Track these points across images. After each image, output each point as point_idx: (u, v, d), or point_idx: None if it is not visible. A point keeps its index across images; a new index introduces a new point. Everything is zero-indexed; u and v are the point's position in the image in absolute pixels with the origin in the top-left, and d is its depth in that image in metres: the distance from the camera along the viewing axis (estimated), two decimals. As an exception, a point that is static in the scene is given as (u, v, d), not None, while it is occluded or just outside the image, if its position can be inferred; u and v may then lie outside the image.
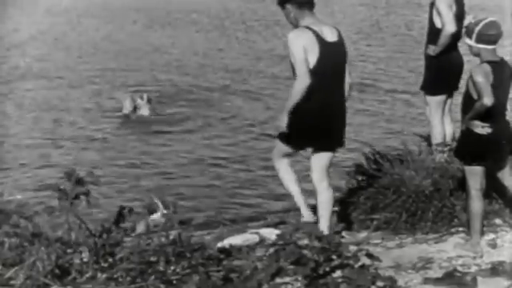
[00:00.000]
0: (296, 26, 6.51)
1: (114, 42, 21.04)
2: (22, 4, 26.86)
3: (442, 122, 8.29)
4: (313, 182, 6.67)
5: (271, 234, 6.85)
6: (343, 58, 6.59)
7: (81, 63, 18.75)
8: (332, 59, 6.44)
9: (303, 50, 6.33)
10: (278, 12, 6.88)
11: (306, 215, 6.81)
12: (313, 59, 6.35)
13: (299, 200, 6.83)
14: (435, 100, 8.27)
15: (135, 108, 14.23)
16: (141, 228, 8.72)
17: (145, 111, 14.18)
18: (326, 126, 6.54)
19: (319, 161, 6.65)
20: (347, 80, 6.64)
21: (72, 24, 23.91)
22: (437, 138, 8.21)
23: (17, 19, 24.16)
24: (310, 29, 6.40)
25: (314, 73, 6.33)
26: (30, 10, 25.91)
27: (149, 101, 14.29)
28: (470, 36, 6.32)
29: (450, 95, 8.35)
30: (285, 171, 6.80)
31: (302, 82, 6.31)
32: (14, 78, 17.34)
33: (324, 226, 6.50)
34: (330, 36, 6.47)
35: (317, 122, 6.48)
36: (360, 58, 18.02)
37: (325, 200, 6.63)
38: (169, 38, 21.52)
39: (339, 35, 6.55)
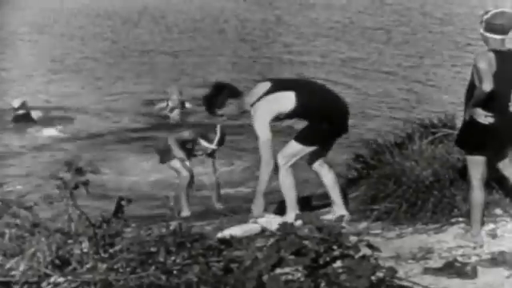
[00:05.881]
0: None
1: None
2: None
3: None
4: None
5: (271, 223, 6.87)
6: None
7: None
8: None
9: None
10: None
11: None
12: None
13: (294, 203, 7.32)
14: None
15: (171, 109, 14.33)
16: (179, 155, 8.89)
17: (175, 115, 14.23)
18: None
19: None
20: None
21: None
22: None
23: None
24: None
25: None
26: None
27: (183, 106, 14.29)
28: (480, 23, 6.36)
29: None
30: (291, 176, 7.27)
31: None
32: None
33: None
34: None
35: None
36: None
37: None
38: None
39: None
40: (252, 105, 7.12)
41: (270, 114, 7.05)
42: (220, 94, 7.24)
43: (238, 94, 7.25)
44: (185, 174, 8.96)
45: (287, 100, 7.08)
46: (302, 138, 7.23)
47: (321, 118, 7.15)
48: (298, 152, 7.22)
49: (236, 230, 7.01)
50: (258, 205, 7.23)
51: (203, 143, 8.82)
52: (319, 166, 7.39)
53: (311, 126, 7.22)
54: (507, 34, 6.34)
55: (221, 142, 8.85)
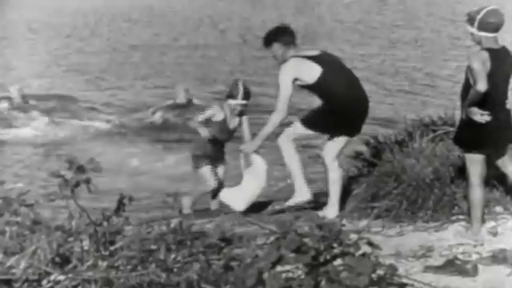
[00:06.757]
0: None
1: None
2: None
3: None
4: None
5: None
6: None
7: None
8: None
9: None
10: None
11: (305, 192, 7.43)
12: None
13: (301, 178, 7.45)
14: None
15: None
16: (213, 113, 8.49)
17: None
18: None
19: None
20: None
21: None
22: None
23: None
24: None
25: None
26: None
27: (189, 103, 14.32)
28: (471, 23, 6.31)
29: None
30: (294, 151, 7.39)
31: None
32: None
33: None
34: None
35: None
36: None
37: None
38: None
39: None
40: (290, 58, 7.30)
41: (293, 73, 7.20)
42: (271, 34, 7.49)
43: (287, 43, 7.41)
44: (212, 184, 8.51)
45: (310, 73, 7.20)
46: (305, 119, 7.38)
47: (334, 108, 7.22)
48: (296, 130, 7.37)
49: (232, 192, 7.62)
50: (253, 144, 7.59)
51: (230, 102, 8.38)
52: (330, 160, 7.42)
53: (319, 111, 7.33)
54: (498, 32, 6.33)
55: (246, 96, 8.38)
